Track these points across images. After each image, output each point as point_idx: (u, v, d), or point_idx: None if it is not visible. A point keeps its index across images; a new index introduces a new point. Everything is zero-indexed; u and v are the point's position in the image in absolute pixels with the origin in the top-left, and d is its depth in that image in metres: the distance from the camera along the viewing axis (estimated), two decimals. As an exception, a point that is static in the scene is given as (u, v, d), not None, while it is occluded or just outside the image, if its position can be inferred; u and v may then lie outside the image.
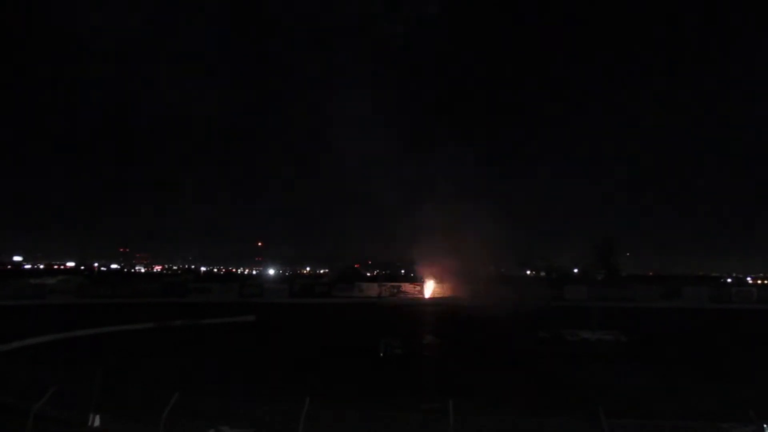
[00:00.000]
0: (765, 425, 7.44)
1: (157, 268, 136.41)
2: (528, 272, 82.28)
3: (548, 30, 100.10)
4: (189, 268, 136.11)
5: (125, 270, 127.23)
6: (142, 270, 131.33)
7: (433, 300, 43.16)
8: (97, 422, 8.46)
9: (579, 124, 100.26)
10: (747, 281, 79.58)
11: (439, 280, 52.44)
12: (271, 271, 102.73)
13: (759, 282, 77.35)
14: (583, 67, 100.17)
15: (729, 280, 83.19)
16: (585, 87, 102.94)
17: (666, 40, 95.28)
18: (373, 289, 45.50)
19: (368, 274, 78.43)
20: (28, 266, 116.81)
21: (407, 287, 46.69)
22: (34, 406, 7.90)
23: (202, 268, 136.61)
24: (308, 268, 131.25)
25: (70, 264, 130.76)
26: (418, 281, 52.70)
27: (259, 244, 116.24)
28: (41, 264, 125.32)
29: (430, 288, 46.81)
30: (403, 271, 69.88)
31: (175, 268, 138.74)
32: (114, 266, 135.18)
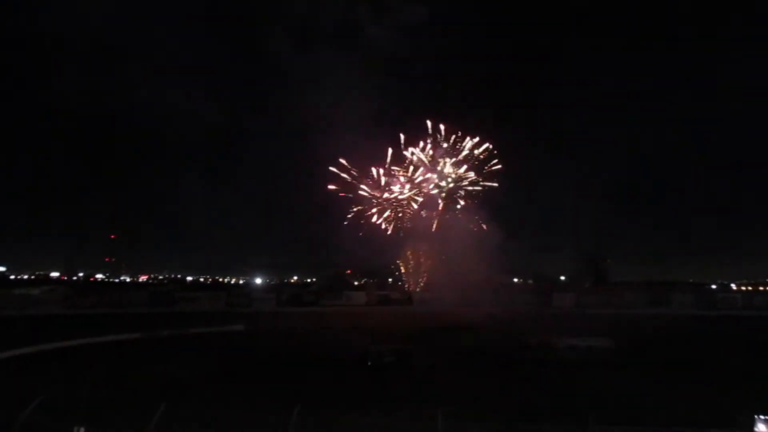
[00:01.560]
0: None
1: (143, 278, 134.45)
2: (516, 280, 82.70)
3: (542, 35, 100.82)
4: (175, 277, 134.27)
5: (110, 280, 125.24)
6: (128, 279, 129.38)
7: (420, 307, 43.07)
8: (83, 432, 8.34)
9: (570, 131, 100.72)
10: (731, 288, 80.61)
11: (427, 287, 52.52)
12: (259, 280, 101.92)
13: (743, 288, 78.33)
14: (572, 73, 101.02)
15: (714, 286, 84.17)
16: (573, 93, 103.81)
17: (659, 47, 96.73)
18: (361, 298, 45.39)
19: (356, 283, 78.14)
20: (12, 277, 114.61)
21: (395, 295, 46.61)
22: (19, 417, 7.77)
23: (189, 278, 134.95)
24: (296, 277, 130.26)
25: (54, 274, 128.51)
26: (406, 289, 52.71)
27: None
28: (25, 274, 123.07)
29: (417, 296, 46.79)
30: (390, 279, 69.83)
31: (161, 277, 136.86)
32: (99, 276, 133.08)
